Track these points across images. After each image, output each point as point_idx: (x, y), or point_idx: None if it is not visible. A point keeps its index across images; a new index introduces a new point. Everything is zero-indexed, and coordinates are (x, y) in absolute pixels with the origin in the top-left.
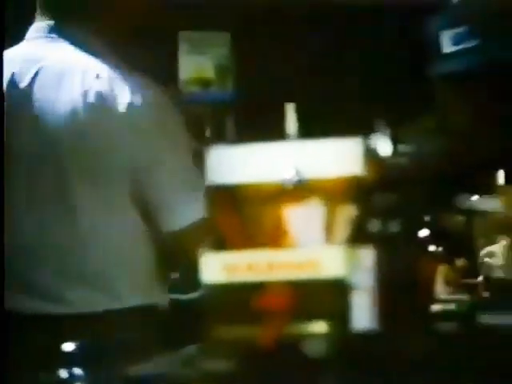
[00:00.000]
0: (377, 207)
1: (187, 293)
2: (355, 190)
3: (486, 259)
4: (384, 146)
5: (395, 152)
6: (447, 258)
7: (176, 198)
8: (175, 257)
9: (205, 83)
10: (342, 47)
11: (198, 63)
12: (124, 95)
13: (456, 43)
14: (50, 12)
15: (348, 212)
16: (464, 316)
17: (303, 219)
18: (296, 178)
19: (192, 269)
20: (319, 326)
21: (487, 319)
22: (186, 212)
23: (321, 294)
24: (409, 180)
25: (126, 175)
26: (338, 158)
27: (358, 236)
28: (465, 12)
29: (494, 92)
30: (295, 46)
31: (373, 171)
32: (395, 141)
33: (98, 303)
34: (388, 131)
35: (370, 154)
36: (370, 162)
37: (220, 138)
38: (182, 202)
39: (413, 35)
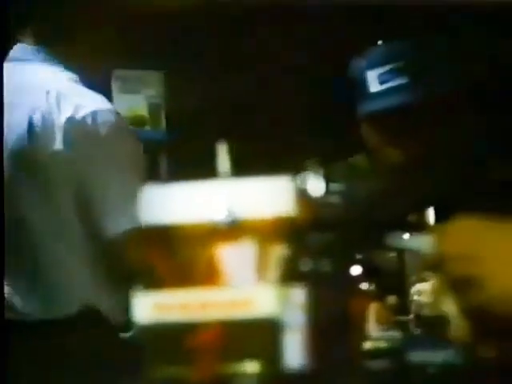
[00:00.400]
0: (309, 246)
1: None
2: (288, 229)
3: (417, 297)
4: (316, 185)
5: (327, 191)
6: (379, 295)
7: (117, 204)
8: (116, 266)
9: (138, 122)
10: (274, 86)
11: (131, 102)
12: (71, 110)
13: (382, 82)
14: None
15: (280, 251)
16: (395, 353)
17: (236, 258)
18: (229, 218)
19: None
20: (251, 366)
21: (417, 356)
22: (126, 217)
23: (253, 333)
24: (341, 219)
25: (72, 187)
26: (270, 197)
27: (290, 275)
28: (391, 51)
29: (420, 130)
30: (228, 85)
31: (305, 210)
32: (327, 180)
33: (46, 312)
34: (320, 170)
35: (302, 193)
36: (302, 201)
37: (153, 177)
38: (122, 207)
39: (344, 74)
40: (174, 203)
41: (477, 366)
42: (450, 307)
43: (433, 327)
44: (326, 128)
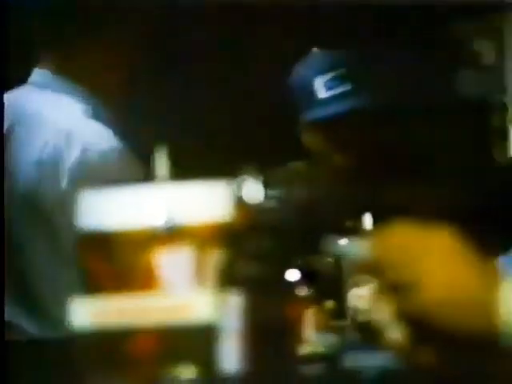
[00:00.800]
0: (247, 251)
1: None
2: (226, 235)
3: (354, 302)
4: (254, 190)
5: (266, 196)
6: (316, 300)
7: None
8: None
9: None
10: (212, 88)
11: None
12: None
13: (329, 89)
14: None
15: (218, 256)
16: (331, 358)
17: (174, 264)
18: (167, 223)
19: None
20: (188, 371)
21: (353, 361)
22: None
23: (190, 339)
24: (278, 224)
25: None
26: (208, 202)
27: (228, 280)
28: (336, 57)
29: (364, 136)
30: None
31: (243, 215)
32: (265, 185)
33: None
34: (258, 175)
35: (241, 199)
36: (241, 207)
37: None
38: None
39: (286, 81)
40: (111, 208)
41: (412, 371)
42: (386, 312)
43: (369, 332)
44: (265, 133)
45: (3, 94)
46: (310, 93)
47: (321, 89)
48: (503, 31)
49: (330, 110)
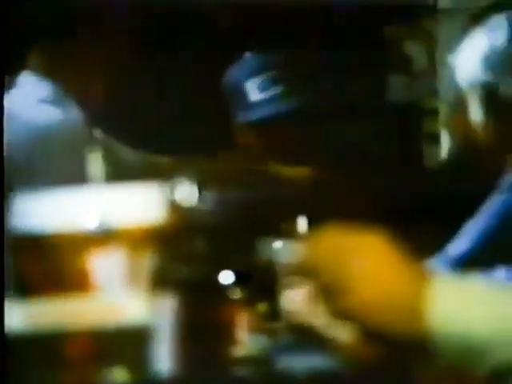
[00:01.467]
0: (180, 253)
1: None
2: (159, 237)
3: (287, 304)
4: (188, 192)
5: (199, 198)
6: (249, 302)
7: None
8: None
9: None
10: (147, 89)
11: None
12: None
13: (262, 90)
14: None
15: (151, 259)
16: (265, 359)
17: (107, 266)
18: (100, 226)
19: None
20: (121, 373)
21: (287, 362)
22: None
23: (123, 341)
24: (213, 226)
25: None
26: (142, 204)
27: (161, 282)
28: (267, 60)
29: (297, 138)
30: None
31: (177, 217)
32: (199, 187)
33: None
34: (192, 177)
35: (175, 201)
36: (174, 209)
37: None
38: None
39: (218, 82)
40: (45, 210)
41: (345, 373)
42: (319, 314)
43: (302, 334)
44: (201, 136)
45: (3, 93)
46: (243, 95)
47: (253, 91)
48: (435, 35)
49: (263, 111)
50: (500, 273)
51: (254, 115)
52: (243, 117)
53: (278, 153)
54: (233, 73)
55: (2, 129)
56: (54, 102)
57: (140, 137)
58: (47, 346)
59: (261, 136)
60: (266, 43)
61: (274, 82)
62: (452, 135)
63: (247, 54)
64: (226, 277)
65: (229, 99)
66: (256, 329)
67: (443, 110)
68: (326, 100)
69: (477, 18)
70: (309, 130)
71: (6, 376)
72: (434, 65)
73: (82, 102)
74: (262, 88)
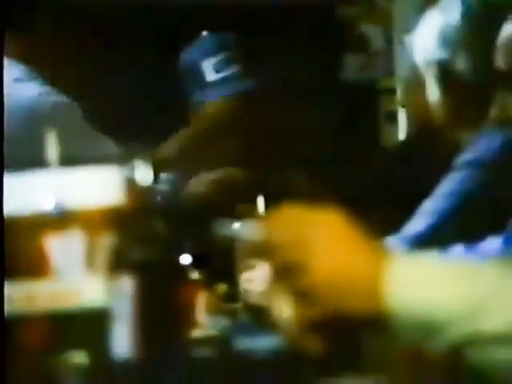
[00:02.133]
0: (137, 235)
1: None
2: (116, 219)
3: (245, 285)
4: (145, 173)
5: (155, 179)
6: (208, 283)
7: None
8: None
9: None
10: (104, 73)
11: None
12: None
13: (218, 71)
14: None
15: (109, 241)
16: (223, 340)
17: (64, 249)
18: (57, 208)
19: None
20: (80, 357)
21: (244, 343)
22: None
23: (81, 324)
24: (169, 207)
25: None
26: (98, 186)
27: (119, 265)
28: (223, 40)
29: (253, 119)
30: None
31: (133, 199)
32: (156, 168)
33: None
34: (148, 159)
35: (131, 182)
36: (131, 190)
37: None
38: None
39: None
40: (2, 194)
41: (303, 353)
42: (277, 294)
43: (260, 314)
44: (157, 117)
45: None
46: (199, 75)
47: (209, 71)
48: (392, 15)
49: (219, 92)
50: (457, 249)
51: (210, 95)
52: (199, 97)
53: (234, 134)
54: (188, 53)
55: (2, 129)
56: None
57: (97, 119)
58: (4, 330)
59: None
60: (221, 23)
61: (229, 62)
62: (409, 114)
63: (204, 34)
64: (185, 258)
65: (184, 79)
66: (215, 310)
67: (400, 89)
68: (281, 81)
69: None
70: (264, 112)
71: None
72: (391, 44)
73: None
74: (218, 68)
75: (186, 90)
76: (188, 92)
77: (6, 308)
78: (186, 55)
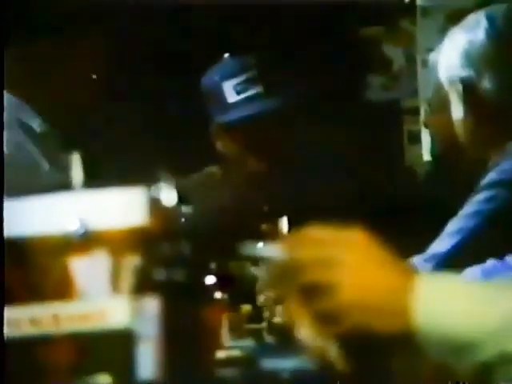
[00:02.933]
0: (162, 256)
1: None
2: (140, 240)
3: (270, 305)
4: (168, 195)
5: (180, 201)
6: (233, 304)
7: None
8: None
9: None
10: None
11: None
12: None
13: (239, 92)
14: None
15: (134, 262)
16: (248, 361)
17: (89, 270)
18: (81, 230)
19: None
20: (105, 379)
21: (270, 363)
22: None
23: (107, 345)
24: (193, 228)
25: None
26: (122, 208)
27: (144, 285)
28: (245, 61)
29: (278, 139)
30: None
31: (157, 221)
32: (180, 190)
33: None
34: (172, 180)
35: (155, 204)
36: (155, 212)
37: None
38: None
39: (196, 86)
40: (26, 215)
41: (328, 372)
42: (302, 315)
43: (284, 334)
44: (180, 138)
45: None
46: (221, 97)
47: (230, 93)
48: (414, 36)
49: (241, 113)
50: (488, 266)
51: (232, 117)
52: (221, 119)
53: (257, 154)
54: (211, 75)
55: (2, 129)
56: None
57: (120, 141)
58: (31, 352)
59: (239, 137)
60: (243, 45)
61: (251, 82)
62: (433, 134)
63: (226, 57)
64: (209, 279)
65: (207, 101)
66: (239, 330)
67: (424, 109)
68: (303, 101)
69: (455, 15)
70: (285, 130)
71: None
72: (414, 64)
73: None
74: (239, 89)
75: (208, 112)
76: (211, 113)
77: (33, 329)
78: (208, 77)
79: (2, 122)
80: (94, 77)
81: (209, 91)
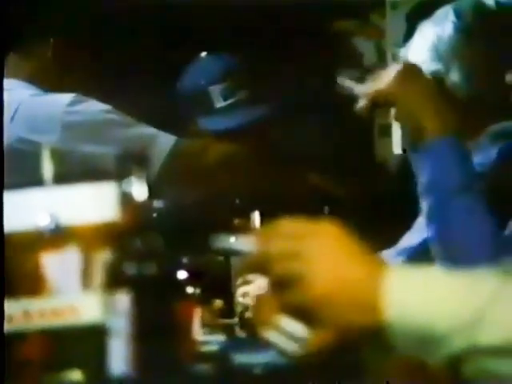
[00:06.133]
0: (133, 251)
1: None
2: (112, 235)
3: (242, 299)
4: (139, 190)
5: (151, 196)
6: (205, 299)
7: None
8: None
9: None
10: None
11: None
12: None
13: (226, 98)
14: None
15: (105, 257)
16: (221, 356)
17: (60, 266)
18: (52, 225)
19: None
20: (76, 373)
21: (242, 358)
22: None
23: (78, 341)
24: (165, 223)
25: None
26: (93, 203)
27: (115, 281)
28: (226, 62)
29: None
30: None
31: (129, 215)
32: (150, 185)
33: None
34: (144, 175)
35: (126, 199)
36: (126, 207)
37: None
38: None
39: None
40: (1, 211)
41: (300, 366)
42: (274, 308)
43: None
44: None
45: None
46: (206, 101)
47: (217, 98)
48: (384, 29)
49: (227, 122)
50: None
51: (218, 124)
52: (205, 124)
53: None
54: (191, 76)
55: (1, 129)
56: None
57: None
58: (2, 348)
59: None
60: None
61: (236, 88)
62: (403, 127)
63: (202, 55)
64: (181, 274)
65: (187, 103)
66: (211, 325)
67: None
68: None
69: (424, 9)
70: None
71: None
72: (384, 57)
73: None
74: (226, 94)
75: (187, 114)
76: (190, 116)
77: (4, 325)
78: (190, 79)
79: (2, 120)
80: None
81: (190, 93)
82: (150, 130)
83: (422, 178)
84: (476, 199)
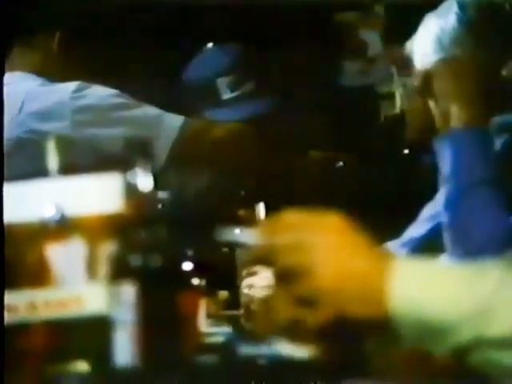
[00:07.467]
0: (138, 242)
1: None
2: (116, 226)
3: (247, 291)
4: (145, 181)
5: (156, 187)
6: (210, 290)
7: None
8: None
9: None
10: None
11: None
12: None
13: (233, 90)
14: None
15: (110, 248)
16: (226, 347)
17: (66, 257)
18: (58, 216)
19: None
20: (81, 364)
21: (247, 349)
22: None
23: (83, 332)
24: (170, 214)
25: None
26: (99, 194)
27: (120, 272)
28: (233, 54)
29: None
30: None
31: (134, 207)
32: (156, 176)
33: None
34: (149, 167)
35: (131, 190)
36: (131, 198)
37: None
38: None
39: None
40: (2, 203)
41: (307, 358)
42: (279, 300)
43: (261, 321)
44: None
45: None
46: (213, 93)
47: (224, 89)
48: (388, 21)
49: (234, 113)
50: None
51: (225, 115)
52: (212, 115)
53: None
54: (198, 67)
55: (1, 129)
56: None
57: None
58: (7, 338)
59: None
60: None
61: (243, 80)
62: (408, 119)
63: (210, 47)
64: (186, 265)
65: (194, 95)
66: (217, 317)
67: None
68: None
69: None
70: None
71: None
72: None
73: None
74: (233, 86)
75: (193, 106)
76: (197, 108)
77: (9, 316)
78: (195, 69)
79: (2, 121)
80: None
81: (197, 85)
82: (158, 111)
83: (444, 167)
84: (494, 193)
